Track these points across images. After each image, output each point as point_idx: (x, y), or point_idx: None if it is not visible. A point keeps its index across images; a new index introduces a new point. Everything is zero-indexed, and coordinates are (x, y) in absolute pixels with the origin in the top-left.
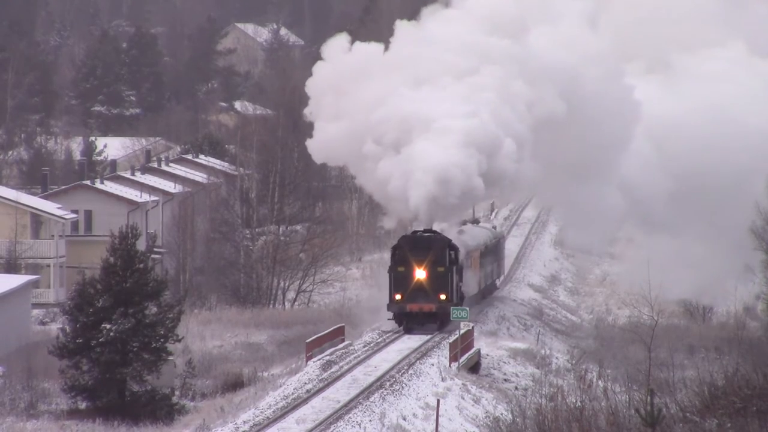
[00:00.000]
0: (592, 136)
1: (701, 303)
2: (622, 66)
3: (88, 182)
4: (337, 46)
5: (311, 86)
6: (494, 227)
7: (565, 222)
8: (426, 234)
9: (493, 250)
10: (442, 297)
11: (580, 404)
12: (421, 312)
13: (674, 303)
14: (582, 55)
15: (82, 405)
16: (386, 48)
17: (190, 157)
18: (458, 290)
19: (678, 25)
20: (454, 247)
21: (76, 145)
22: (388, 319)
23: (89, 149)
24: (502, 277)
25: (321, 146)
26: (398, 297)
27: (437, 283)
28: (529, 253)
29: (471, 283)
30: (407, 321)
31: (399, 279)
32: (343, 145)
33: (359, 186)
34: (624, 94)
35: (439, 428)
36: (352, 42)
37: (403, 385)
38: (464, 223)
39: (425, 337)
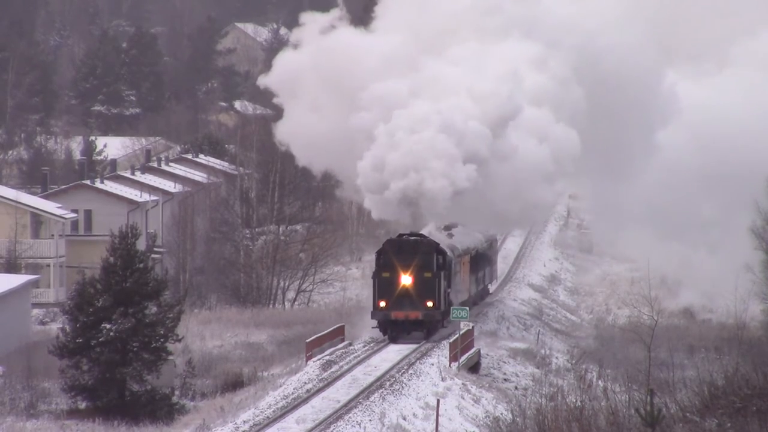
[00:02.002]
0: (616, 128)
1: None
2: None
3: (88, 182)
4: (319, 23)
5: (283, 71)
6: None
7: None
8: (412, 237)
9: (485, 254)
10: (429, 304)
11: (580, 404)
12: (407, 320)
13: (678, 307)
14: (603, 21)
15: (82, 405)
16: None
17: (189, 156)
18: (446, 297)
19: (723, 16)
20: (442, 252)
21: (76, 145)
22: (372, 327)
23: (89, 149)
24: (495, 282)
25: (304, 144)
26: (383, 304)
27: (424, 290)
28: (529, 252)
29: (460, 289)
30: (392, 329)
31: (383, 285)
32: (330, 143)
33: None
34: (657, 81)
35: (439, 428)
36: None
37: (403, 384)
38: (453, 225)
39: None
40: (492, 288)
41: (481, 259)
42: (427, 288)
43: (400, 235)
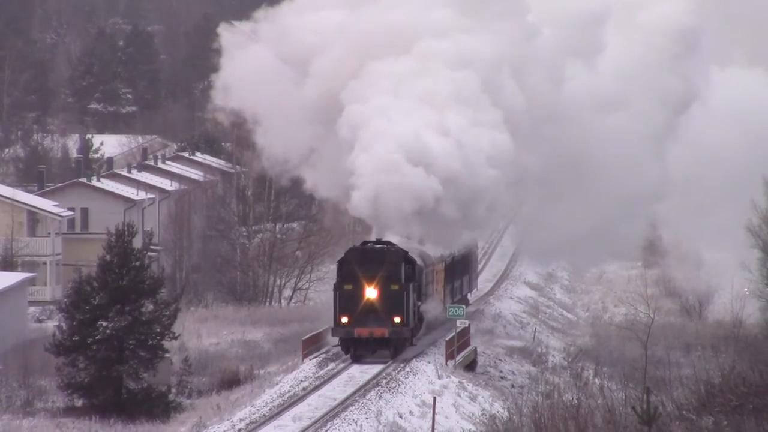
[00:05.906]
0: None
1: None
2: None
3: (84, 180)
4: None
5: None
6: None
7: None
8: (378, 246)
9: (462, 261)
10: (397, 320)
11: (576, 402)
12: (371, 338)
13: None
14: None
15: (79, 402)
16: None
17: (186, 154)
18: (416, 311)
19: None
20: (411, 261)
21: (73, 143)
22: (334, 346)
23: (86, 147)
24: (475, 291)
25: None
26: (345, 320)
27: (391, 304)
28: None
29: (433, 301)
30: (355, 348)
31: (346, 298)
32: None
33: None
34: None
35: (436, 426)
36: None
37: (400, 382)
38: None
39: None
40: (471, 297)
41: (458, 267)
42: (395, 302)
43: (365, 243)
